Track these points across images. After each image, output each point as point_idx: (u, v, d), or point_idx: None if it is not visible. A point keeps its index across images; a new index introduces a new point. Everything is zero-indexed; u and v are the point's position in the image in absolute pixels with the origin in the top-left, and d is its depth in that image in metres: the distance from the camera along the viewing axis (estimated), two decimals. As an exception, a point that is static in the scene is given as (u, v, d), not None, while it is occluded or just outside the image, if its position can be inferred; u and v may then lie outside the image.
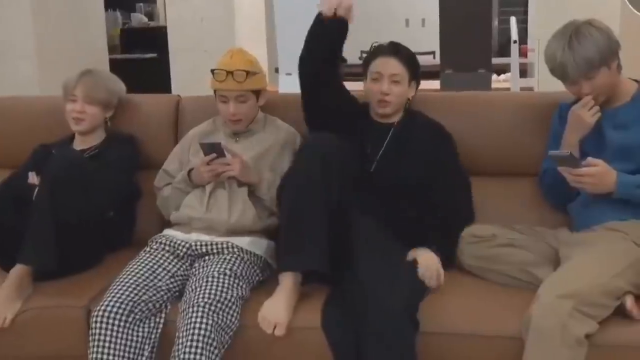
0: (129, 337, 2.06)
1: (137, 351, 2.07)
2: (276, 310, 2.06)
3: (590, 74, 2.16)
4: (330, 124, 2.37)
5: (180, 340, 2.00)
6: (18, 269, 2.22)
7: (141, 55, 7.02)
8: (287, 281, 2.10)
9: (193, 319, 2.00)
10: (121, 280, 2.15)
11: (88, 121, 2.61)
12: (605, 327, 1.91)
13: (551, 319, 1.84)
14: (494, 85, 4.67)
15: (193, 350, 1.97)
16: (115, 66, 5.40)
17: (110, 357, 2.03)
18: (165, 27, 7.00)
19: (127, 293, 2.10)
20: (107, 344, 2.03)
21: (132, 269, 2.20)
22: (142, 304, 2.10)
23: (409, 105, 2.52)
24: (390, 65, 2.42)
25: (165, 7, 8.73)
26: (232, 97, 2.43)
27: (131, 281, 2.14)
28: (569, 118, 2.25)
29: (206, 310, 2.02)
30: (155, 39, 7.09)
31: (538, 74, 4.74)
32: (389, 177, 2.37)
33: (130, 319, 2.07)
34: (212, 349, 1.99)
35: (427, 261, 2.18)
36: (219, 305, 2.05)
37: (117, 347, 2.04)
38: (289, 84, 4.29)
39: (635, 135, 2.19)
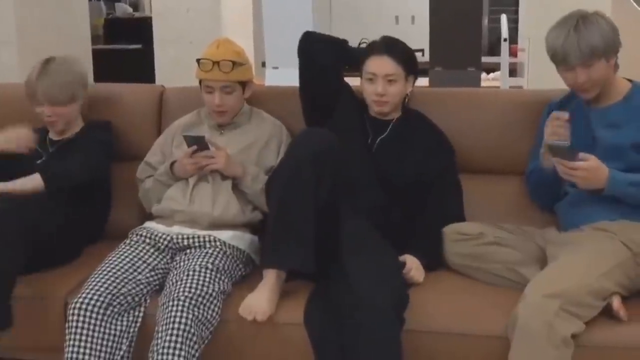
0: (107, 331, 2.04)
1: (114, 345, 2.05)
2: (259, 301, 2.06)
3: (590, 61, 2.15)
4: (328, 113, 2.37)
5: (160, 335, 1.98)
6: None
7: (125, 46, 6.98)
8: (271, 277, 2.09)
9: (173, 313, 1.99)
10: (100, 272, 2.13)
11: (61, 121, 2.57)
12: (591, 328, 1.91)
13: (537, 318, 1.84)
14: (483, 83, 4.70)
15: (172, 345, 1.95)
16: (99, 57, 5.36)
17: (87, 351, 2.01)
18: (150, 18, 6.98)
19: (105, 285, 2.08)
20: (84, 337, 2.01)
21: (111, 261, 2.18)
22: (121, 297, 2.08)
23: (407, 100, 2.51)
24: (384, 65, 2.38)
25: (149, -2, 8.74)
26: (217, 88, 2.41)
27: (110, 274, 2.12)
28: (547, 122, 2.23)
29: (186, 304, 2.00)
30: (140, 30, 7.05)
31: (528, 73, 4.75)
32: (387, 167, 2.36)
33: (108, 312, 2.05)
34: (192, 343, 1.97)
35: (414, 263, 2.20)
36: (199, 299, 2.03)
37: (95, 340, 2.02)
38: (276, 78, 4.29)
39: (627, 134, 2.19)
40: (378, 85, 2.37)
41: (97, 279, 2.10)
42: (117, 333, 2.06)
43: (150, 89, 2.88)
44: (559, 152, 2.10)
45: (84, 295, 2.06)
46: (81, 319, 2.02)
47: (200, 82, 2.47)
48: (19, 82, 3.81)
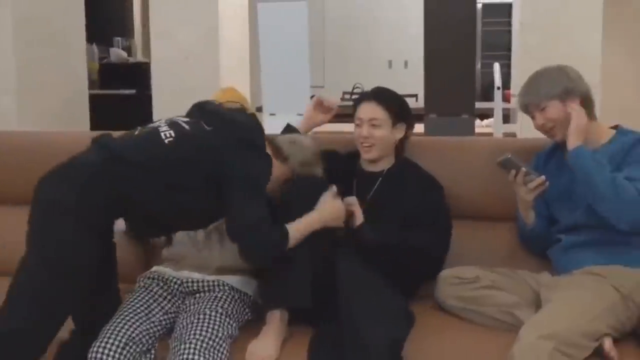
0: None
1: None
2: (264, 346, 2.17)
3: (541, 104, 2.38)
4: None
5: None
6: None
7: (120, 91, 7.09)
8: (274, 320, 2.22)
9: (184, 356, 2.09)
10: (117, 316, 2.21)
11: None
12: (584, 368, 2.03)
13: (532, 359, 1.96)
14: (477, 130, 4.84)
15: None
16: (95, 102, 5.50)
17: None
18: (145, 63, 7.13)
19: (120, 326, 2.16)
20: None
21: (127, 305, 2.27)
22: (136, 338, 2.16)
23: (401, 149, 2.63)
24: (369, 110, 2.55)
25: (142, 42, 8.93)
26: None
27: (128, 317, 2.21)
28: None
29: (197, 347, 2.11)
30: (134, 75, 7.19)
31: (521, 119, 4.92)
32: (375, 222, 2.46)
33: (125, 352, 2.12)
34: None
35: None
36: (210, 342, 2.14)
37: None
38: (273, 125, 4.43)
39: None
40: (363, 129, 2.54)
41: (115, 323, 2.18)
42: None
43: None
44: (508, 164, 2.32)
45: (104, 339, 2.12)
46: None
47: None
48: (18, 130, 3.97)
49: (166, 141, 2.14)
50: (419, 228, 2.44)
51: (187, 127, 2.20)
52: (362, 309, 2.13)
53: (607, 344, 2.09)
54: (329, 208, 2.29)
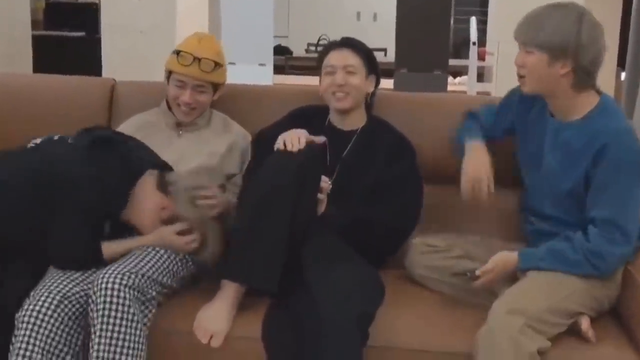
0: (57, 331, 1.99)
1: (64, 348, 2.01)
2: (215, 319, 2.08)
3: (529, 47, 2.12)
4: None
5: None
6: None
7: (67, 33, 6.92)
8: (231, 290, 2.12)
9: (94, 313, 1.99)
10: (51, 274, 2.10)
11: None
12: (560, 346, 2.00)
13: (502, 334, 1.92)
14: (449, 88, 4.79)
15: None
16: (39, 44, 5.31)
17: (36, 349, 1.96)
18: (95, 4, 6.93)
19: (55, 285, 2.04)
20: (33, 334, 1.96)
21: None
22: (72, 297, 2.04)
23: (370, 103, 2.54)
24: (344, 56, 2.44)
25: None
26: (190, 85, 2.43)
27: (63, 275, 2.08)
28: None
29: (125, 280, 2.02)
30: (83, 16, 7.01)
31: (496, 78, 4.86)
32: (347, 188, 2.38)
33: (59, 310, 2.00)
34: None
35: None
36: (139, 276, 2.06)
37: (42, 338, 1.97)
38: (232, 74, 4.29)
39: (568, 178, 2.16)
40: (338, 76, 2.41)
41: (47, 281, 2.06)
42: (67, 336, 2.02)
43: (100, 83, 2.87)
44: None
45: (34, 299, 2.00)
46: (32, 319, 1.98)
47: (169, 73, 2.47)
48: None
49: (28, 145, 2.31)
50: (387, 200, 2.36)
51: (56, 139, 2.31)
52: (330, 284, 2.03)
53: (585, 324, 2.06)
54: (162, 240, 2.22)
